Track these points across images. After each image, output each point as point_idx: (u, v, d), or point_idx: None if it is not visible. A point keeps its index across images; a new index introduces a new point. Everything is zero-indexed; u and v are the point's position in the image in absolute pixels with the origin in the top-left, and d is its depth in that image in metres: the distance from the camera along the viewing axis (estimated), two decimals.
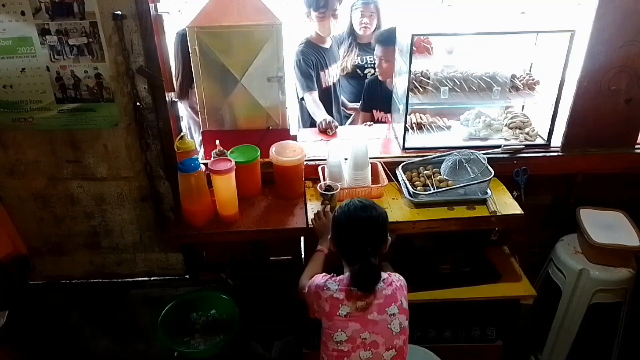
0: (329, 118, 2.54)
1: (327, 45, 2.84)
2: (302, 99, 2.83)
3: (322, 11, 2.62)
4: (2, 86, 1.97)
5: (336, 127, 2.51)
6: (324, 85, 2.84)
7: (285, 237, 2.38)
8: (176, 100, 2.18)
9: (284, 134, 2.18)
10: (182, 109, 2.62)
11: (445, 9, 2.88)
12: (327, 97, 2.84)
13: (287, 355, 2.39)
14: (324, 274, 1.64)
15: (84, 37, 1.88)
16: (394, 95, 2.45)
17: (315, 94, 2.75)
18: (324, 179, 2.09)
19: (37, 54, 1.91)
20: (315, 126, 2.62)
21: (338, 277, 1.58)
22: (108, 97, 2.01)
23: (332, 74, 2.89)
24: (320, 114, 2.63)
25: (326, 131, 2.49)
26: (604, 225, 2.21)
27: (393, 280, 1.59)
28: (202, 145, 2.26)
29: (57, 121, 2.05)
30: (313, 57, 2.75)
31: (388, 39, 2.56)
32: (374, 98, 2.84)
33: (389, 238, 1.63)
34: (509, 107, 2.44)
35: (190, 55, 2.00)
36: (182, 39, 2.26)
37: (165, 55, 2.04)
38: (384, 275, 1.59)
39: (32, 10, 1.83)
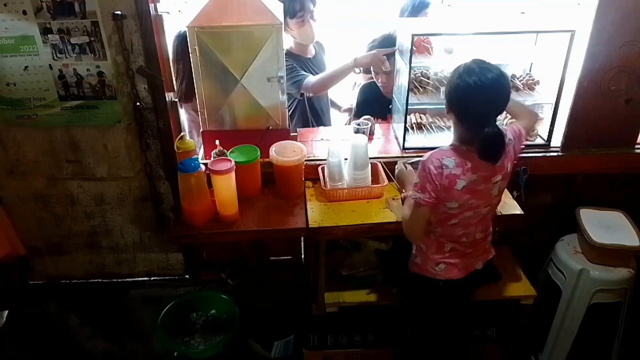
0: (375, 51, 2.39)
1: (309, 55, 2.69)
2: (302, 95, 2.65)
3: (300, 15, 2.47)
4: (5, 84, 1.98)
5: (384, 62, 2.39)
6: (308, 96, 2.69)
7: (285, 237, 2.38)
8: (176, 100, 2.18)
9: (284, 134, 2.18)
10: (182, 112, 2.60)
11: (445, 9, 2.88)
12: (313, 107, 2.71)
13: (287, 355, 2.39)
14: (433, 152, 1.62)
15: (85, 36, 1.89)
16: (394, 95, 2.45)
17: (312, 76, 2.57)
18: (324, 178, 2.09)
19: (39, 52, 1.93)
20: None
21: (448, 151, 1.59)
22: (110, 95, 2.02)
23: None
24: (346, 63, 2.47)
25: (383, 65, 2.36)
26: (604, 225, 2.21)
27: (507, 148, 1.61)
28: (202, 146, 2.26)
29: (60, 118, 2.06)
30: (296, 67, 2.59)
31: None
32: (368, 105, 2.73)
33: None
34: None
35: (190, 55, 2.00)
36: (183, 40, 2.25)
37: (165, 55, 2.04)
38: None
39: (34, 10, 1.84)
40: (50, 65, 1.95)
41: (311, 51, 2.68)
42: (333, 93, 2.93)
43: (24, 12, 1.85)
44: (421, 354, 1.98)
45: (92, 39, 1.90)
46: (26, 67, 1.96)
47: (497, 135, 1.50)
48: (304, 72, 2.60)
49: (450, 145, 1.63)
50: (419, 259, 1.81)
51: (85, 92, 2.01)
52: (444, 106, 1.66)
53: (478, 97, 1.49)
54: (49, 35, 1.89)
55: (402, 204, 1.80)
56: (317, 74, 2.67)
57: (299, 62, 2.60)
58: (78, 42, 1.91)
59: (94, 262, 2.45)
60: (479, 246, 1.78)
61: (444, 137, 2.37)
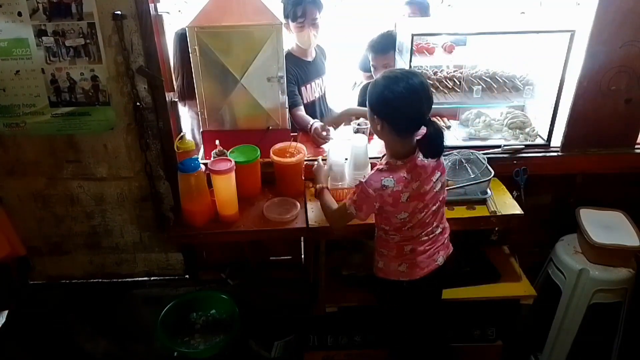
0: (322, 124, 2.38)
1: (309, 58, 2.63)
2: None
3: (300, 21, 2.43)
4: None
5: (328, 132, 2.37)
6: (304, 102, 2.65)
7: (285, 237, 2.38)
8: (176, 100, 2.18)
9: (284, 134, 2.18)
10: (184, 112, 2.60)
11: (445, 9, 2.88)
12: (310, 114, 2.64)
13: (287, 355, 2.39)
14: (371, 174, 1.66)
15: (81, 38, 1.86)
16: None
17: (301, 108, 2.58)
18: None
19: (32, 55, 1.88)
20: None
21: (385, 172, 1.62)
22: (104, 100, 1.98)
23: (314, 89, 2.71)
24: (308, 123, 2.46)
25: (322, 139, 2.34)
26: (604, 225, 2.21)
27: None
28: (202, 146, 2.26)
29: (50, 126, 2.02)
30: (293, 72, 2.53)
31: (382, 47, 2.49)
32: None
33: None
34: (509, 107, 2.44)
35: (190, 55, 2.00)
36: (182, 38, 2.25)
37: (165, 55, 2.04)
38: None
39: (30, 11, 1.81)
40: (42, 69, 1.90)
41: (311, 54, 2.68)
42: (330, 99, 2.93)
43: (19, 14, 1.80)
44: (403, 354, 2.00)
45: (88, 41, 1.86)
46: (17, 72, 1.90)
47: (440, 130, 1.59)
48: (296, 94, 2.56)
49: (386, 164, 1.65)
50: (382, 263, 1.83)
51: (78, 97, 1.96)
52: (370, 123, 1.67)
53: (414, 100, 1.54)
54: (43, 38, 1.84)
55: (315, 195, 1.92)
56: (311, 79, 2.66)
57: (296, 65, 2.58)
58: (73, 44, 1.86)
59: (94, 262, 2.45)
60: (438, 241, 1.80)
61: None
